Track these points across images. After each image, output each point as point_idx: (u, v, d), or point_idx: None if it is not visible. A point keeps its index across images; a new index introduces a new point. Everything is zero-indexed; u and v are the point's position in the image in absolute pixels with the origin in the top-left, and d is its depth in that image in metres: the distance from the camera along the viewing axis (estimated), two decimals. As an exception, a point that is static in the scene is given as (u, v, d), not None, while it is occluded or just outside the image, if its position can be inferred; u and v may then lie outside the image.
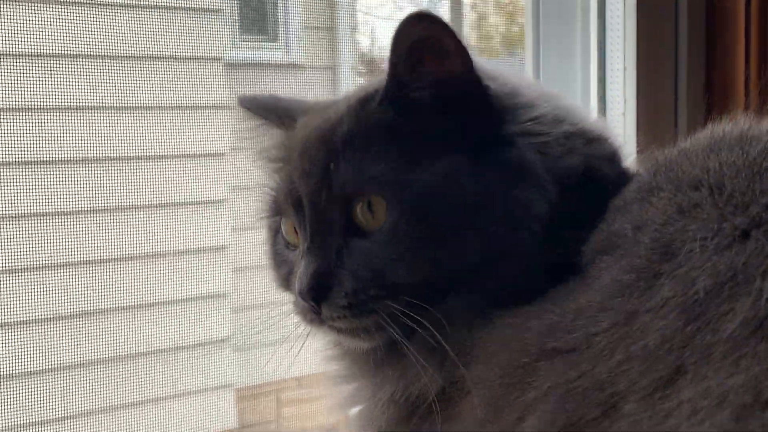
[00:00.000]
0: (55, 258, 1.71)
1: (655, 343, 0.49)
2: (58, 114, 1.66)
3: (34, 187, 1.65)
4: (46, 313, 1.72)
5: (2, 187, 1.59)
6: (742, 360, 0.45)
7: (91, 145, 1.73)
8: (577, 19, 1.22)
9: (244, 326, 2.09)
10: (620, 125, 1.13)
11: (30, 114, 1.61)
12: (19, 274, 1.66)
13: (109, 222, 1.80)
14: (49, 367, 1.76)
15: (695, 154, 0.60)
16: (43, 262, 1.69)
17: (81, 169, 1.73)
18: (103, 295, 1.81)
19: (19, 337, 1.69)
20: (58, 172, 1.69)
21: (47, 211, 1.68)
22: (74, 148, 1.70)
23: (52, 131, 1.65)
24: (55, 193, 1.69)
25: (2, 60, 1.52)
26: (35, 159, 1.64)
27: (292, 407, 2.24)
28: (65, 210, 1.71)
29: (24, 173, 1.63)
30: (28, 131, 1.61)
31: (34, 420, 1.73)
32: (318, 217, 0.75)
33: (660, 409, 0.46)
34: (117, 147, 1.77)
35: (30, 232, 1.65)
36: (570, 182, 0.68)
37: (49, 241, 1.69)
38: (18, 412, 1.69)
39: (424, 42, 0.70)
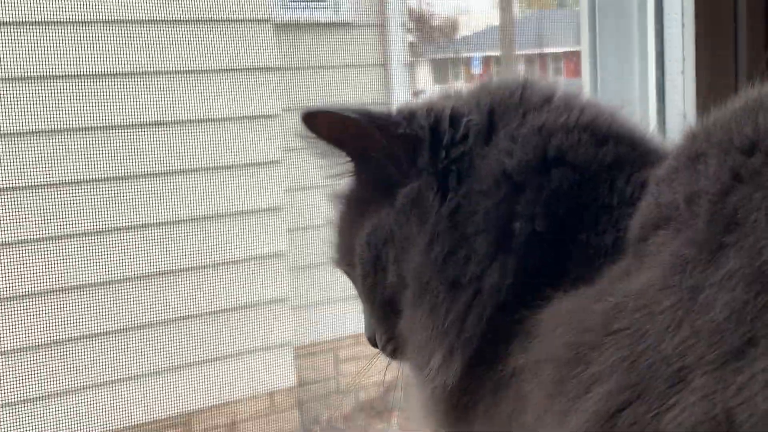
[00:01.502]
0: (114, 222, 1.74)
1: (723, 316, 0.48)
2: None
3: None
4: (115, 275, 1.76)
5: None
6: None
7: (150, 107, 1.75)
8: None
9: (301, 285, 2.12)
10: (679, 84, 1.10)
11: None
12: (85, 238, 1.69)
13: (168, 186, 1.83)
14: (117, 328, 1.79)
15: (738, 115, 0.58)
16: (100, 226, 1.72)
17: (141, 133, 1.75)
18: (164, 258, 1.84)
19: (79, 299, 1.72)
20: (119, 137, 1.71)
21: (92, 177, 1.71)
22: (133, 109, 1.72)
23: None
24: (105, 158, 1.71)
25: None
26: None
27: (350, 364, 2.26)
28: (121, 174, 1.74)
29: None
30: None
31: (103, 380, 1.78)
32: None
33: (732, 381, 0.46)
34: (173, 110, 1.79)
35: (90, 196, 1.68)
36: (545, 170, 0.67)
37: (102, 204, 1.72)
38: (80, 374, 1.74)
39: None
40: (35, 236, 1.62)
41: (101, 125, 1.68)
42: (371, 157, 0.74)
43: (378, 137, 0.73)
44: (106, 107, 1.68)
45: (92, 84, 1.65)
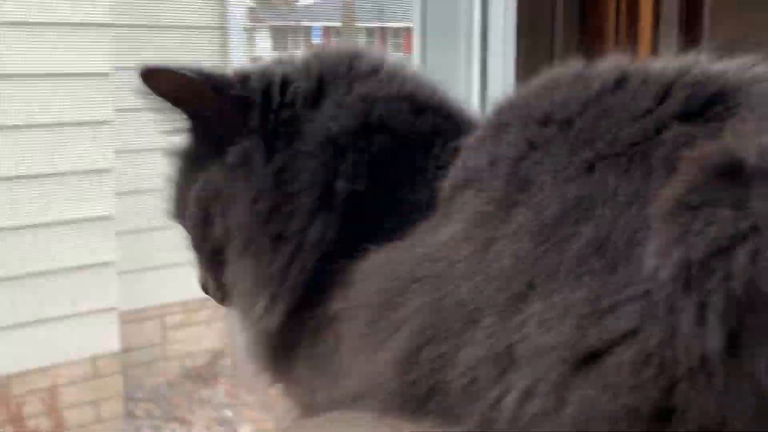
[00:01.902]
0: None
1: (509, 264, 0.54)
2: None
3: None
4: None
5: None
6: (584, 277, 0.51)
7: None
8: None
9: (129, 250, 2.08)
10: (500, 64, 1.16)
11: None
12: None
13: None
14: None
15: (538, 92, 0.64)
16: None
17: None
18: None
19: None
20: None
21: None
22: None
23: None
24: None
25: None
26: None
27: (178, 331, 2.25)
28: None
29: None
30: None
31: None
32: None
33: (514, 321, 0.52)
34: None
35: None
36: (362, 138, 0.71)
37: None
38: None
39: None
40: None
41: None
42: (206, 116, 0.77)
43: (212, 97, 0.75)
44: None
45: None
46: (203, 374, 2.26)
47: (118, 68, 1.94)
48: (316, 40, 2.63)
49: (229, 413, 2.16)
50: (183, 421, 2.11)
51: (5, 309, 1.84)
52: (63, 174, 1.90)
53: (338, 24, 2.54)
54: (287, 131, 0.73)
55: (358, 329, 0.63)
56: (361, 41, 2.51)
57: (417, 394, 0.57)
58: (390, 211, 0.69)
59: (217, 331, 2.30)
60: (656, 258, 0.48)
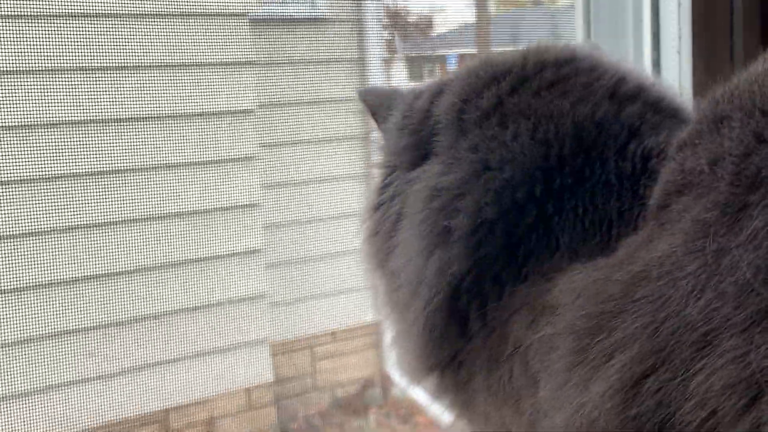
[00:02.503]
0: (93, 218, 1.73)
1: (749, 276, 0.47)
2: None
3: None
4: (92, 271, 1.74)
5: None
6: None
7: (122, 104, 1.74)
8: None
9: (278, 282, 2.11)
10: (675, 63, 1.09)
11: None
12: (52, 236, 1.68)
13: (146, 181, 1.81)
14: (93, 325, 1.78)
15: (760, 78, 0.57)
16: (77, 221, 1.70)
17: (116, 129, 1.73)
18: (143, 254, 1.82)
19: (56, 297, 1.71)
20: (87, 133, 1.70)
21: (73, 172, 1.69)
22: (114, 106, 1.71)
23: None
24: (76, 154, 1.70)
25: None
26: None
27: (327, 361, 2.26)
28: (94, 170, 1.72)
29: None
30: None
31: (77, 378, 1.76)
32: None
33: (760, 342, 0.45)
34: (150, 105, 1.78)
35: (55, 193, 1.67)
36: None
37: (81, 198, 1.70)
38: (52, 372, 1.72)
39: None
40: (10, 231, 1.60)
41: (77, 119, 1.67)
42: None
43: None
44: (81, 102, 1.66)
45: (68, 78, 1.64)
46: (353, 404, 2.26)
47: (261, 105, 1.99)
48: (451, 68, 2.62)
49: (381, 442, 2.16)
50: (336, 451, 2.12)
51: (164, 344, 1.89)
52: (216, 209, 1.95)
53: (473, 51, 2.52)
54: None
55: (564, 360, 0.56)
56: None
57: (642, 429, 0.50)
58: (563, 231, 0.65)
59: (365, 360, 2.31)
60: None
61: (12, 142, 1.58)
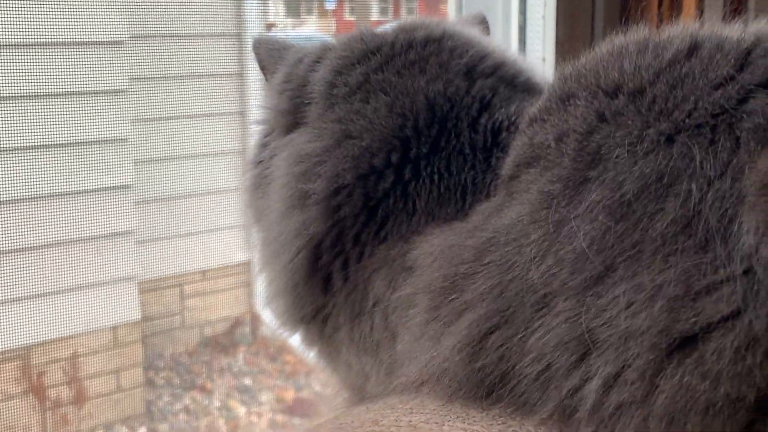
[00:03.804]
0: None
1: (585, 245, 0.51)
2: None
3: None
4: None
5: None
6: (672, 256, 0.48)
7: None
8: None
9: (146, 219, 2.08)
10: (540, 29, 1.13)
11: None
12: None
13: (14, 109, 1.74)
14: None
15: (605, 60, 0.61)
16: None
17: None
18: (8, 185, 1.76)
19: None
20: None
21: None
22: None
23: None
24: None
25: None
26: None
27: (196, 299, 2.25)
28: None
29: None
30: None
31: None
32: None
33: (593, 304, 0.50)
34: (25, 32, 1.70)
35: None
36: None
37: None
38: None
39: None
40: None
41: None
42: None
43: None
44: None
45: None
46: (222, 342, 2.27)
47: (132, 36, 1.93)
48: (330, 6, 2.60)
49: (248, 381, 2.17)
50: (203, 390, 2.12)
51: (25, 280, 1.84)
52: (85, 142, 1.90)
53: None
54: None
55: (420, 316, 0.61)
56: (374, 7, 2.49)
57: (485, 381, 0.55)
58: (420, 196, 0.68)
59: (235, 299, 2.31)
60: (756, 235, 0.46)
61: None
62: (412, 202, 0.69)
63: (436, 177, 0.69)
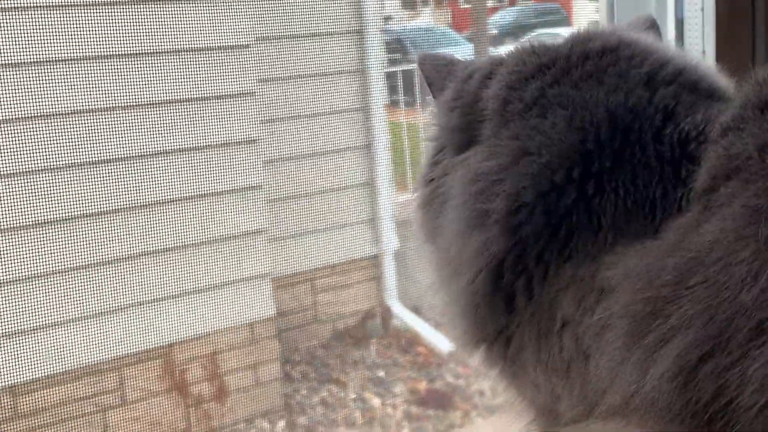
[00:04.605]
0: (99, 155, 1.73)
1: None
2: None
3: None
4: (98, 208, 1.75)
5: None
6: None
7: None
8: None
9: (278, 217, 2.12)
10: (698, 22, 1.10)
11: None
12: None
13: (148, 118, 1.81)
14: (96, 261, 1.79)
15: None
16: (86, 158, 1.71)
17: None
18: (145, 191, 1.83)
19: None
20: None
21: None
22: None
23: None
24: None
25: None
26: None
27: (327, 294, 2.29)
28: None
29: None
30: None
31: (81, 314, 1.78)
32: None
33: None
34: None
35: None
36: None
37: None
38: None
39: None
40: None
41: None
42: None
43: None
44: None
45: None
46: (354, 335, 2.30)
47: (259, 38, 1.97)
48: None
49: (381, 373, 2.19)
50: (338, 382, 2.16)
51: (166, 281, 1.90)
52: (216, 146, 1.95)
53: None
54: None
55: (620, 340, 0.58)
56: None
57: (700, 412, 0.51)
58: (605, 212, 0.66)
59: (365, 293, 2.34)
60: None
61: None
62: (597, 218, 0.66)
63: (621, 191, 0.66)
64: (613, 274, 0.61)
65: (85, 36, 1.66)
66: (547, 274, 0.67)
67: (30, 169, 1.64)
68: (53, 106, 1.66)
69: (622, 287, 0.59)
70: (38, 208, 1.66)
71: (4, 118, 1.57)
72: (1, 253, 1.62)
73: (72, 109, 1.69)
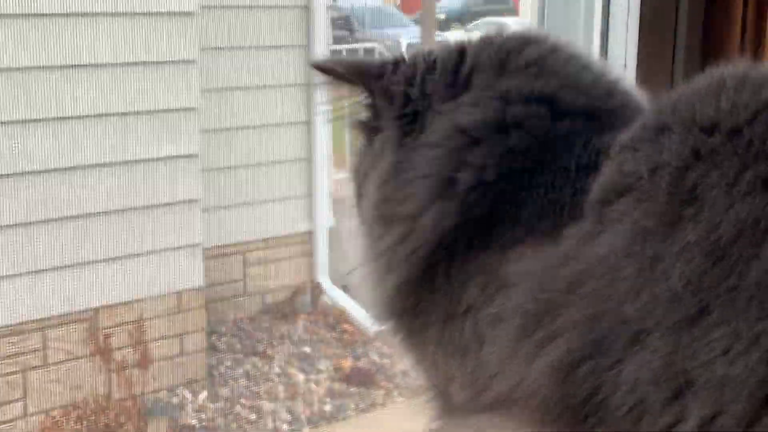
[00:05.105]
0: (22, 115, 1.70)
1: (680, 285, 0.51)
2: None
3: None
4: (26, 168, 1.72)
5: None
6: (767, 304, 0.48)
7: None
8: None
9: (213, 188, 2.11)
10: (622, 35, 1.11)
11: None
12: None
13: (80, 82, 1.78)
14: (23, 221, 1.77)
15: (701, 94, 0.60)
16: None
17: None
18: (76, 154, 1.81)
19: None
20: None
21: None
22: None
23: None
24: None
25: None
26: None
27: (258, 267, 2.29)
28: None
29: None
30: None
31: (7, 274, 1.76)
32: None
33: (689, 346, 0.50)
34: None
35: None
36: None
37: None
38: None
39: None
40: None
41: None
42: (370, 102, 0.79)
43: (363, 88, 0.78)
44: None
45: None
46: (283, 310, 2.30)
47: (203, 6, 1.96)
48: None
49: (307, 349, 2.20)
50: (264, 356, 2.16)
51: (94, 244, 1.89)
52: (154, 111, 1.93)
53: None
54: (420, 122, 0.74)
55: (511, 333, 0.61)
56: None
57: (576, 407, 0.55)
58: (527, 206, 0.68)
59: (296, 268, 2.34)
60: None
61: None
62: (518, 211, 0.68)
63: (542, 190, 0.68)
64: (514, 270, 0.64)
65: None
66: (467, 259, 0.69)
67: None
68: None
69: (520, 286, 0.62)
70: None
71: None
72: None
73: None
